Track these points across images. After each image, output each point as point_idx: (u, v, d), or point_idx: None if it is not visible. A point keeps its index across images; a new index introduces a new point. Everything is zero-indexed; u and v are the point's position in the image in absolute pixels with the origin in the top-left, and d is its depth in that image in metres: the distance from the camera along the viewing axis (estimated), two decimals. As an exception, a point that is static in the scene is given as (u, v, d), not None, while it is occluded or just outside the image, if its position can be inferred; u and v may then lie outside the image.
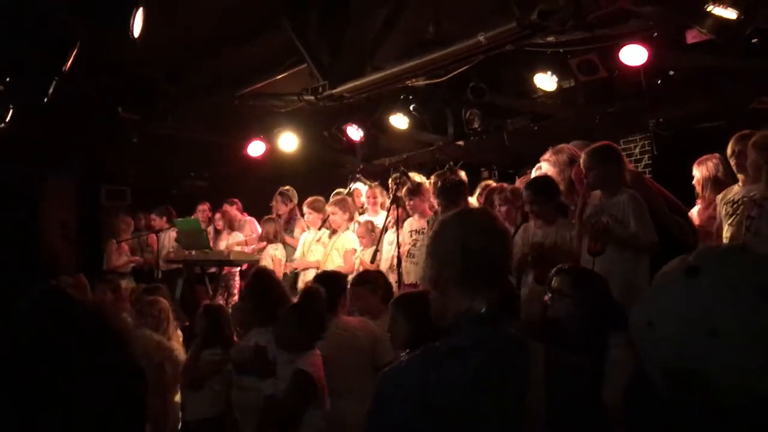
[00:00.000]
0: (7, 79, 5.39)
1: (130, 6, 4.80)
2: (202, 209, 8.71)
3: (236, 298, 7.53)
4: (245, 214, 8.60)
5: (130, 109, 7.29)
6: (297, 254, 7.21)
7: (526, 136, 7.53)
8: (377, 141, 8.70)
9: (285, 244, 7.49)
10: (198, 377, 4.37)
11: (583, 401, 1.59)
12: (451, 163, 7.65)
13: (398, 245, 5.84)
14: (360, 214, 7.48)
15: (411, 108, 7.69)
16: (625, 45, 5.66)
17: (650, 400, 1.31)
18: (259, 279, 4.36)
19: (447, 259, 1.68)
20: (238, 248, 7.74)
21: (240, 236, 8.17)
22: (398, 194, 6.14)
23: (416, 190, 6.12)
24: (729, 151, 4.45)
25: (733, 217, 4.21)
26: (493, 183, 6.41)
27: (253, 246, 7.88)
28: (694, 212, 4.97)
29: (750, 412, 1.14)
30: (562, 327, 3.09)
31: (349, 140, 8.50)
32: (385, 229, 6.36)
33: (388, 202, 6.75)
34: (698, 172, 4.99)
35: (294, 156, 8.54)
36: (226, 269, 7.81)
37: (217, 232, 8.33)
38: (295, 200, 7.87)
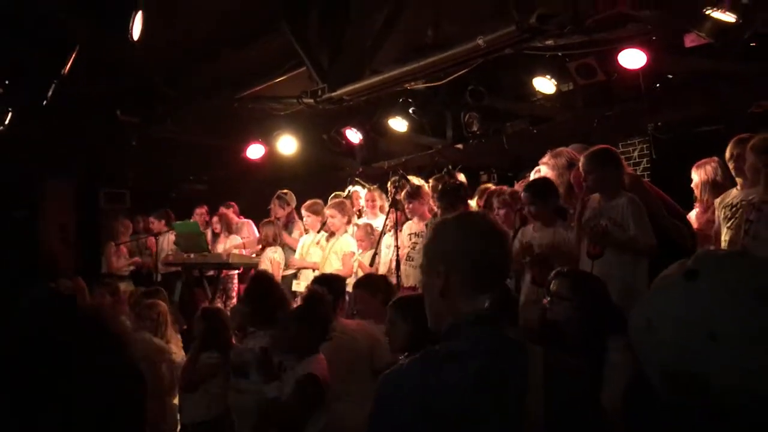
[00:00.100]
0: (7, 81, 5.39)
1: (130, 9, 4.81)
2: (200, 213, 8.71)
3: (234, 301, 7.53)
4: (242, 217, 8.60)
5: (129, 112, 7.30)
6: (296, 256, 7.21)
7: (525, 139, 7.54)
8: (376, 144, 8.70)
9: (284, 246, 7.49)
10: (195, 380, 4.37)
11: (581, 404, 1.59)
12: (450, 166, 7.65)
13: (397, 248, 5.84)
14: (358, 217, 7.48)
15: (410, 111, 7.69)
16: (624, 49, 5.67)
17: (650, 403, 1.31)
18: (259, 282, 4.36)
19: (452, 263, 1.68)
20: (236, 251, 7.74)
21: (238, 239, 8.17)
22: (397, 197, 6.14)
23: (415, 193, 6.13)
24: (727, 154, 4.46)
25: (732, 220, 4.22)
26: (492, 186, 6.41)
27: (251, 250, 7.88)
28: (693, 216, 4.97)
29: (750, 414, 1.14)
30: (561, 330, 3.09)
31: (348, 143, 8.51)
32: (383, 233, 6.36)
33: (387, 205, 6.75)
34: (697, 176, 5.00)
35: (293, 159, 8.54)
36: (224, 272, 7.81)
37: (215, 236, 8.33)
38: (293, 204, 7.87)
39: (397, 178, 6.46)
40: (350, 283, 5.60)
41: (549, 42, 5.08)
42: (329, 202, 7.14)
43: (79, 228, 9.69)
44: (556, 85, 6.59)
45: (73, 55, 4.95)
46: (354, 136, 8.27)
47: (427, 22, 5.87)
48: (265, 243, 7.40)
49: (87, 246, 9.53)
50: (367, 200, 7.44)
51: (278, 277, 6.99)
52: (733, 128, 5.03)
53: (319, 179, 9.15)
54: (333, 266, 6.54)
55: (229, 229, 8.27)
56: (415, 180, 6.67)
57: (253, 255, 7.61)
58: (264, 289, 4.17)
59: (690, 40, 5.31)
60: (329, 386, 3.47)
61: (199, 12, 5.77)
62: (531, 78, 6.63)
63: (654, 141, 7.03)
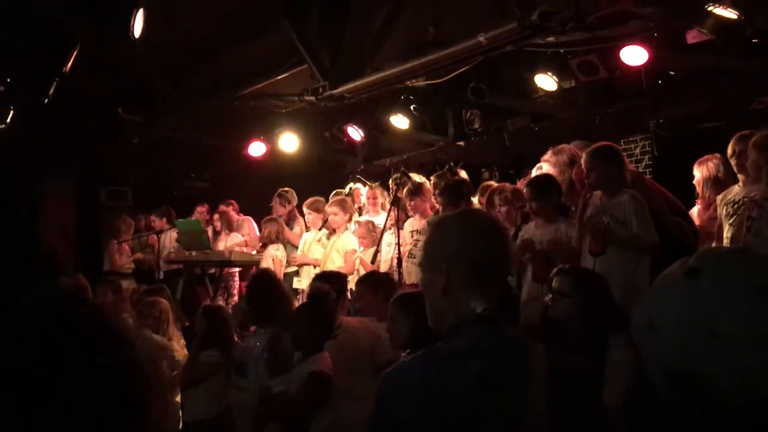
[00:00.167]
0: (8, 80, 5.39)
1: (130, 8, 4.81)
2: (201, 211, 8.72)
3: (236, 298, 7.54)
4: (241, 214, 8.60)
5: (130, 111, 7.30)
6: (297, 254, 7.21)
7: (526, 136, 7.53)
8: (378, 141, 8.70)
9: (286, 243, 7.49)
10: (195, 377, 4.37)
11: (584, 402, 1.59)
12: (452, 163, 7.65)
13: (398, 246, 5.84)
14: (359, 214, 7.48)
15: (411, 108, 7.69)
16: (626, 45, 5.66)
17: (651, 401, 1.31)
18: (260, 280, 4.36)
19: (453, 262, 1.68)
20: (238, 249, 7.75)
21: (239, 237, 8.18)
22: (399, 195, 6.14)
23: (417, 190, 6.12)
24: (729, 151, 4.45)
25: (734, 217, 4.20)
26: (494, 183, 6.41)
27: (252, 248, 7.89)
28: (694, 212, 4.96)
29: (751, 413, 1.14)
30: (563, 328, 3.09)
31: (350, 141, 8.50)
32: (384, 231, 6.35)
33: (388, 202, 6.75)
34: (698, 173, 4.99)
35: (295, 156, 8.54)
36: (225, 270, 7.82)
37: (216, 233, 8.34)
38: (294, 201, 7.87)
39: (398, 175, 6.46)
40: (352, 280, 5.61)
41: (551, 39, 5.08)
42: (330, 200, 7.14)
43: (81, 226, 9.69)
44: (558, 82, 6.58)
45: (74, 54, 4.95)
46: (355, 133, 8.26)
47: (428, 19, 5.87)
48: (268, 240, 7.40)
49: (88, 244, 9.54)
50: (368, 197, 7.44)
51: (280, 275, 7.00)
52: (735, 125, 5.03)
53: (321, 177, 9.15)
54: (335, 263, 6.53)
55: (230, 226, 8.28)
56: (417, 177, 6.67)
57: (254, 252, 7.62)
58: (265, 287, 4.18)
59: (692, 37, 5.31)
60: (334, 384, 3.48)
61: (200, 11, 5.78)
62: (532, 75, 6.62)
63: (656, 138, 7.03)
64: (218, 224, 8.36)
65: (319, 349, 3.55)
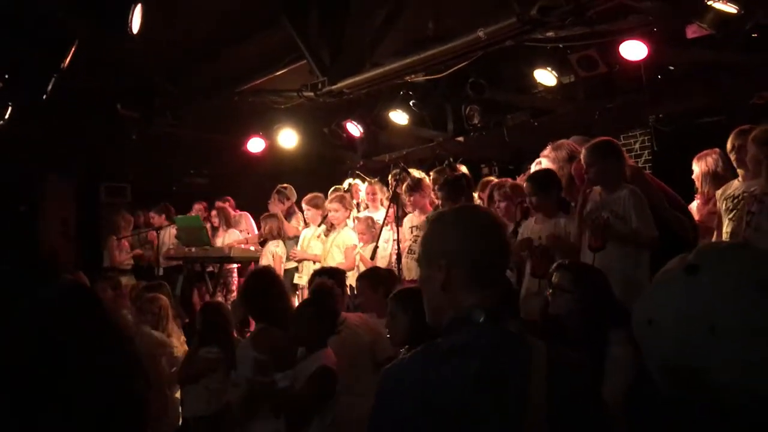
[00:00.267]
0: (6, 77, 5.38)
1: (129, 3, 4.79)
2: (199, 208, 8.72)
3: (235, 295, 7.54)
4: (237, 211, 8.60)
5: (129, 107, 7.29)
6: (297, 249, 7.21)
7: (526, 131, 7.53)
8: (377, 137, 8.70)
9: (286, 239, 7.49)
10: (193, 374, 4.37)
11: (584, 398, 1.59)
12: (451, 159, 7.65)
13: (398, 242, 5.84)
14: (358, 210, 7.48)
15: (411, 104, 7.68)
16: (625, 40, 5.65)
17: (652, 397, 1.31)
18: (258, 277, 4.35)
19: (452, 259, 1.68)
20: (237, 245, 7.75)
21: (236, 233, 8.18)
22: (398, 190, 6.13)
23: (416, 185, 6.12)
24: (729, 146, 4.44)
25: (733, 212, 4.21)
26: (494, 179, 6.41)
27: (252, 244, 7.89)
28: (693, 207, 4.96)
29: (751, 409, 1.14)
30: (563, 323, 3.09)
31: (349, 136, 8.50)
32: (383, 227, 6.35)
33: (388, 198, 6.75)
34: (697, 167, 4.99)
35: (294, 152, 8.53)
36: (224, 266, 7.82)
37: (214, 229, 8.34)
38: (293, 198, 7.87)
39: (398, 171, 6.46)
40: (352, 276, 5.61)
41: (550, 34, 5.07)
42: (330, 196, 7.13)
43: (80, 223, 9.69)
44: (557, 77, 6.57)
45: (72, 50, 4.93)
46: (355, 129, 8.26)
47: (428, 15, 5.86)
48: (269, 236, 7.40)
49: (88, 241, 9.53)
50: (367, 193, 7.44)
51: (280, 271, 7.01)
52: (735, 119, 5.03)
53: (320, 173, 9.14)
54: (335, 259, 6.54)
55: (228, 222, 8.28)
56: (416, 173, 6.66)
57: (252, 248, 7.64)
58: (264, 284, 4.16)
59: (691, 32, 5.30)
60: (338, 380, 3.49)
61: (200, 9, 5.76)
62: (532, 70, 6.61)
63: (655, 133, 7.03)
64: (216, 220, 8.36)
65: (323, 344, 3.55)
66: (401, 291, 3.31)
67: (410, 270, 5.78)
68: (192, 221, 7.94)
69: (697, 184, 5.01)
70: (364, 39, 6.04)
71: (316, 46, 6.10)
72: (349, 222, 6.97)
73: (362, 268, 5.93)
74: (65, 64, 5.07)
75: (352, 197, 7.55)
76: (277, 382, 3.46)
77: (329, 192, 7.42)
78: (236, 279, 7.96)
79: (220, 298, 7.20)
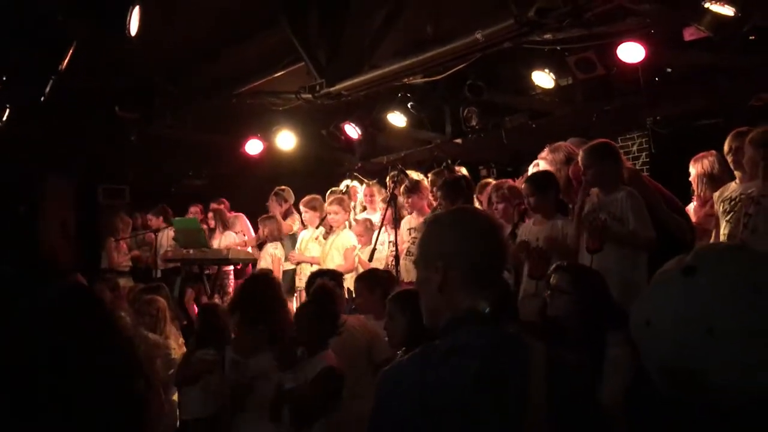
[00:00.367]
0: (4, 78, 5.38)
1: (128, 5, 4.79)
2: (194, 211, 8.71)
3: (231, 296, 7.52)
4: (232, 212, 8.60)
5: (128, 108, 7.29)
6: (295, 251, 7.21)
7: (524, 133, 7.53)
8: (375, 139, 8.69)
9: (283, 239, 7.48)
10: (189, 375, 4.36)
11: (583, 398, 1.59)
12: (449, 160, 7.65)
13: (396, 244, 5.84)
14: (361, 211, 7.49)
15: (409, 106, 7.68)
16: (623, 42, 5.66)
17: (650, 398, 1.31)
18: (254, 282, 4.33)
19: (450, 262, 1.68)
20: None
21: (233, 235, 8.18)
22: (396, 192, 6.13)
23: (414, 187, 6.13)
24: (726, 148, 4.45)
25: (731, 214, 4.22)
26: (492, 181, 6.41)
27: (250, 245, 7.89)
28: (690, 209, 4.97)
29: (748, 411, 1.14)
30: (561, 324, 3.10)
31: (347, 138, 8.49)
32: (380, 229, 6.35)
33: (386, 200, 6.74)
34: (694, 170, 5.00)
35: (292, 154, 8.53)
36: (222, 268, 7.82)
37: (211, 231, 8.33)
38: (291, 200, 7.87)
39: (396, 172, 6.46)
40: (352, 277, 5.60)
41: (548, 36, 5.07)
42: (329, 198, 7.13)
43: (79, 225, 9.68)
44: (555, 80, 6.58)
45: (71, 52, 4.93)
46: (353, 131, 8.25)
47: (427, 17, 5.86)
48: (271, 238, 7.39)
49: (87, 243, 9.52)
50: (365, 195, 7.44)
51: (279, 273, 7.01)
52: (733, 122, 5.03)
53: (318, 174, 9.14)
54: (334, 261, 6.53)
55: (225, 224, 8.28)
56: (414, 175, 6.67)
57: (249, 249, 7.63)
58: (257, 288, 4.13)
59: (689, 34, 5.31)
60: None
61: (198, 10, 5.76)
62: (530, 72, 6.62)
63: (653, 135, 7.03)
64: (212, 222, 8.35)
65: (325, 346, 3.54)
66: (400, 293, 3.31)
67: (409, 272, 5.78)
68: (190, 223, 7.93)
69: (694, 186, 5.02)
70: (363, 41, 6.04)
71: (313, 48, 6.10)
72: (349, 224, 6.97)
73: (361, 270, 5.92)
74: (63, 66, 5.07)
75: (350, 199, 7.55)
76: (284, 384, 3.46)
77: (327, 194, 7.42)
78: (233, 281, 7.96)
79: (217, 300, 7.19)
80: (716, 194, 4.47)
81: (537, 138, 6.09)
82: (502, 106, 7.66)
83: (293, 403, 3.40)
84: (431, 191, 6.25)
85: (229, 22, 5.95)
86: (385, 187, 7.22)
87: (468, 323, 1.63)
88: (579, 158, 4.27)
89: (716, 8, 4.59)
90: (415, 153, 8.70)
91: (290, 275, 7.08)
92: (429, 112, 8.00)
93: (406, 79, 6.25)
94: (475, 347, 1.59)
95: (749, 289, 1.15)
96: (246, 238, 8.27)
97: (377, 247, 6.14)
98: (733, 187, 4.35)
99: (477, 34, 4.91)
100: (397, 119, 7.79)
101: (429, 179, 6.56)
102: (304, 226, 7.40)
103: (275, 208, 7.76)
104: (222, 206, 8.48)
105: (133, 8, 4.83)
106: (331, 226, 6.86)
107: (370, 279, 4.55)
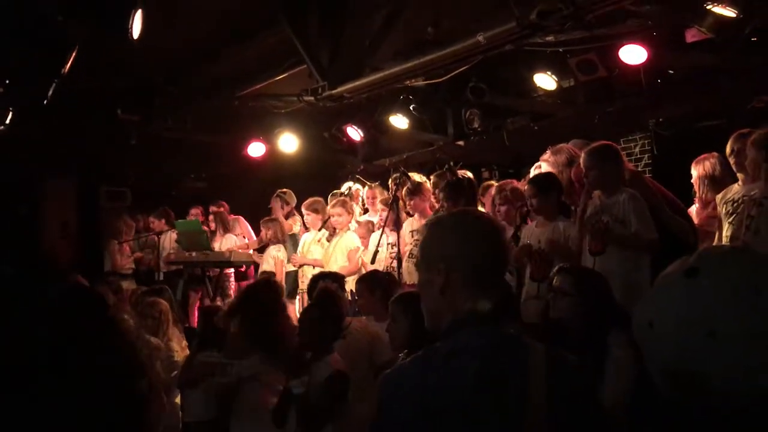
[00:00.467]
0: (7, 81, 5.39)
1: (130, 8, 4.80)
2: (195, 213, 8.72)
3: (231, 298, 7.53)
4: (232, 215, 8.61)
5: (129, 110, 7.29)
6: (297, 254, 7.21)
7: (526, 135, 7.53)
8: (377, 141, 8.69)
9: (286, 239, 7.48)
10: (192, 378, 4.36)
11: (584, 399, 1.59)
12: (451, 162, 7.64)
13: (398, 246, 5.83)
14: (365, 213, 7.49)
15: (411, 108, 7.68)
16: (625, 44, 5.66)
17: (652, 399, 1.31)
18: (255, 286, 4.32)
19: (452, 264, 1.67)
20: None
21: (233, 237, 8.18)
22: (398, 194, 6.13)
23: (416, 189, 6.12)
24: (728, 149, 4.45)
25: (733, 216, 4.21)
26: (495, 183, 6.41)
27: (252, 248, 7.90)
28: (692, 211, 4.96)
29: (750, 413, 1.14)
30: (564, 326, 3.10)
31: (350, 141, 8.50)
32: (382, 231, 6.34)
33: (388, 202, 6.74)
34: (695, 171, 4.99)
35: (294, 157, 8.54)
36: (223, 271, 7.83)
37: (212, 234, 8.34)
38: (293, 202, 7.87)
39: (398, 175, 6.45)
40: (354, 279, 5.59)
41: (549, 38, 5.07)
42: (332, 201, 7.13)
43: (80, 227, 9.69)
44: (557, 81, 6.58)
45: (73, 55, 4.94)
46: (355, 133, 8.26)
47: (428, 19, 5.86)
48: (273, 240, 7.40)
49: (88, 245, 9.53)
50: (367, 197, 7.45)
51: (281, 275, 7.02)
52: (735, 123, 5.02)
53: (320, 177, 9.14)
54: (338, 263, 6.52)
55: (225, 227, 8.29)
56: (417, 177, 6.67)
57: (251, 251, 7.63)
58: (255, 294, 4.11)
59: (691, 35, 5.31)
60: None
61: (199, 11, 5.76)
62: (532, 74, 6.62)
63: (655, 137, 7.02)
64: (213, 225, 8.36)
65: (330, 349, 3.53)
66: (402, 295, 3.31)
67: (411, 274, 5.78)
68: (192, 225, 7.94)
69: (696, 187, 5.01)
70: (363, 41, 6.04)
71: (315, 50, 6.10)
72: (351, 225, 6.97)
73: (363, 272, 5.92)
74: (65, 70, 5.08)
75: (352, 201, 7.55)
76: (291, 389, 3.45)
77: (329, 197, 7.42)
78: (233, 283, 7.96)
79: (218, 302, 7.19)
80: (719, 196, 4.47)
81: (539, 140, 6.09)
82: (504, 108, 7.67)
83: (302, 408, 3.39)
84: (433, 193, 6.24)
85: (229, 22, 5.96)
86: (388, 190, 7.22)
87: (469, 325, 1.63)
88: (581, 160, 4.27)
89: (718, 10, 4.59)
90: (417, 155, 8.70)
91: (293, 277, 7.08)
92: (431, 114, 8.01)
93: (408, 82, 6.25)
94: (475, 347, 1.59)
95: (751, 291, 1.15)
96: (246, 240, 8.27)
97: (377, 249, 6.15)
98: (735, 189, 4.35)
99: (479, 36, 4.91)
100: (399, 121, 7.79)
101: (431, 181, 6.56)
102: (305, 228, 7.40)
103: (278, 211, 7.77)
104: (222, 209, 8.49)
105: (136, 11, 4.84)
106: (335, 228, 6.86)
107: (371, 280, 4.55)
